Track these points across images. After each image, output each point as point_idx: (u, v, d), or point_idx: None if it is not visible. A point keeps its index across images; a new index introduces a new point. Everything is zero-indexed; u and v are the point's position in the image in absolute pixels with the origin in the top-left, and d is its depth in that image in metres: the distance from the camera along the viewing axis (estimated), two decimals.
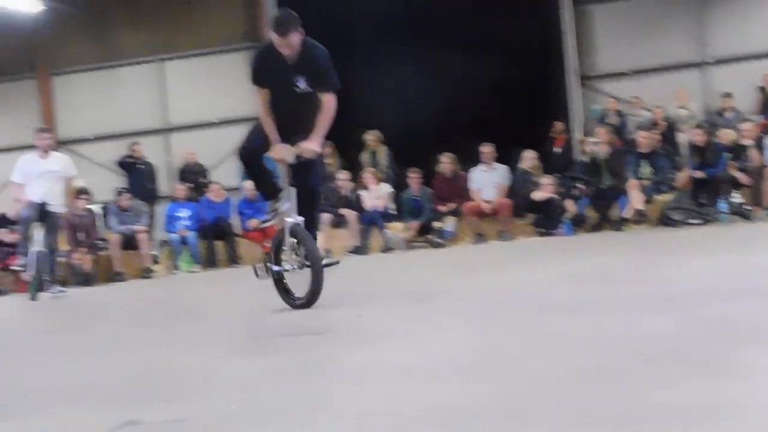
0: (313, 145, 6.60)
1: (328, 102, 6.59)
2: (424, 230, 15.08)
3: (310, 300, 6.49)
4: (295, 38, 6.40)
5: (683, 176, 13.76)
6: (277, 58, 6.51)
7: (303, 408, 3.30)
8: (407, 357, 4.10)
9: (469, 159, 15.65)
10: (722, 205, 12.88)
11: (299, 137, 6.61)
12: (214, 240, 15.32)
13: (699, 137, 13.55)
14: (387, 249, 14.70)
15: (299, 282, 6.58)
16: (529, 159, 15.02)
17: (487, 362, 3.79)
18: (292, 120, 6.65)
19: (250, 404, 3.46)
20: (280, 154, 6.62)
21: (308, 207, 6.80)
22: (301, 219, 6.65)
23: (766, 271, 6.05)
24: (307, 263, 6.54)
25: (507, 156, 15.71)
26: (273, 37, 6.43)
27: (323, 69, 6.61)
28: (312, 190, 6.89)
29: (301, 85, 6.59)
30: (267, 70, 6.60)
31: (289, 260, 6.64)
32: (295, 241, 6.66)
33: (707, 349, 3.61)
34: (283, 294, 6.74)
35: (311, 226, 6.88)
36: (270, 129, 6.64)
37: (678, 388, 3.01)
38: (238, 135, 19.16)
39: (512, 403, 3.07)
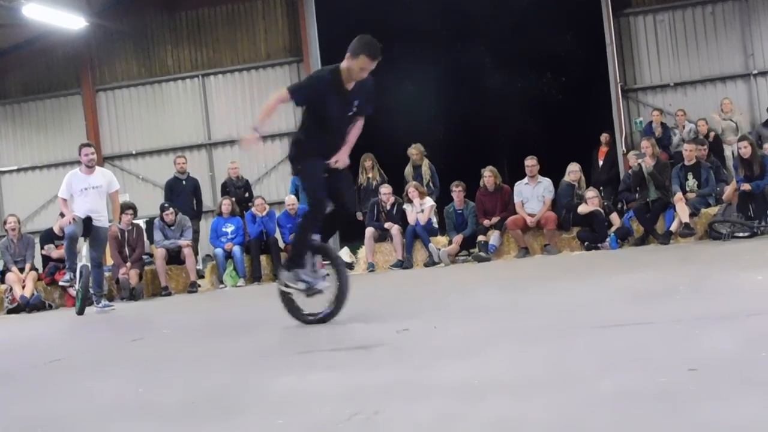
0: (346, 157, 6.86)
1: (361, 124, 6.96)
2: (468, 244, 15.05)
3: (338, 306, 6.64)
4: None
5: (730, 189, 13.58)
6: (336, 83, 6.65)
7: (354, 426, 3.29)
8: (459, 374, 4.08)
9: (513, 172, 15.63)
10: None
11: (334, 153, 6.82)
12: (260, 254, 15.38)
13: (745, 149, 13.38)
14: (431, 263, 14.67)
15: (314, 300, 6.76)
16: (573, 172, 14.91)
17: (542, 380, 3.76)
18: (337, 141, 6.85)
19: (301, 421, 3.46)
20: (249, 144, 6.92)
21: (336, 221, 7.07)
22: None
23: None
24: (326, 273, 6.81)
25: (551, 169, 15.65)
26: (361, 60, 6.51)
27: (372, 97, 6.88)
28: (346, 205, 7.06)
29: (354, 109, 6.80)
30: (321, 94, 6.67)
31: (307, 276, 6.80)
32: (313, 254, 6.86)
33: (764, 365, 3.55)
34: (295, 312, 6.85)
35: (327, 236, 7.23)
36: (265, 119, 6.94)
37: (735, 406, 2.97)
38: (279, 149, 19.62)
39: (566, 422, 3.04)
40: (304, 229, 6.96)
